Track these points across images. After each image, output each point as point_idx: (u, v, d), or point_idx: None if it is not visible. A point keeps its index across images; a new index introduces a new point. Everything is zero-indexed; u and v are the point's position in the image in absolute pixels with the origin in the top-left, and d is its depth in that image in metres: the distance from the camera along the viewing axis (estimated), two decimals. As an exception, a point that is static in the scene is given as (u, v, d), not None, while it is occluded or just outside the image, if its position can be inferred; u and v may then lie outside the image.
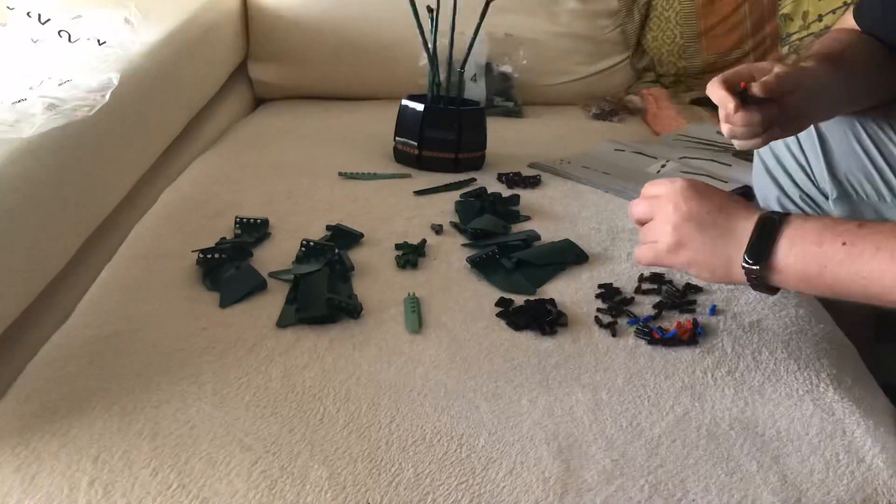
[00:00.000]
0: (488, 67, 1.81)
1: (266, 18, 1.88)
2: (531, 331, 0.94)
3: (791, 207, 1.21)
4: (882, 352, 1.18)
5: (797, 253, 0.78)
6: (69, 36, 1.21)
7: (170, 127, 1.46)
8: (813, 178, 1.16)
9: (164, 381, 0.85)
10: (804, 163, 1.17)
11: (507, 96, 1.80)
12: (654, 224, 0.86)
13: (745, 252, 0.79)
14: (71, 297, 1.03)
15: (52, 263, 1.04)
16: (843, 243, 0.76)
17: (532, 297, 1.00)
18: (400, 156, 1.46)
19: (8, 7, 1.24)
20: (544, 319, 0.95)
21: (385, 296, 1.01)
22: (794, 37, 1.84)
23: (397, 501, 0.71)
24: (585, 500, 0.72)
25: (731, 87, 0.95)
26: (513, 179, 1.37)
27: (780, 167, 1.20)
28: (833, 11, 1.80)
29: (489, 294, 1.01)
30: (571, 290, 1.03)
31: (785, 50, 1.85)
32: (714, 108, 1.72)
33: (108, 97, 1.11)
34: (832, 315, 1.02)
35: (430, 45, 1.48)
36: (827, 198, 1.14)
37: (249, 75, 1.94)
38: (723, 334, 0.95)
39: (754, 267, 0.79)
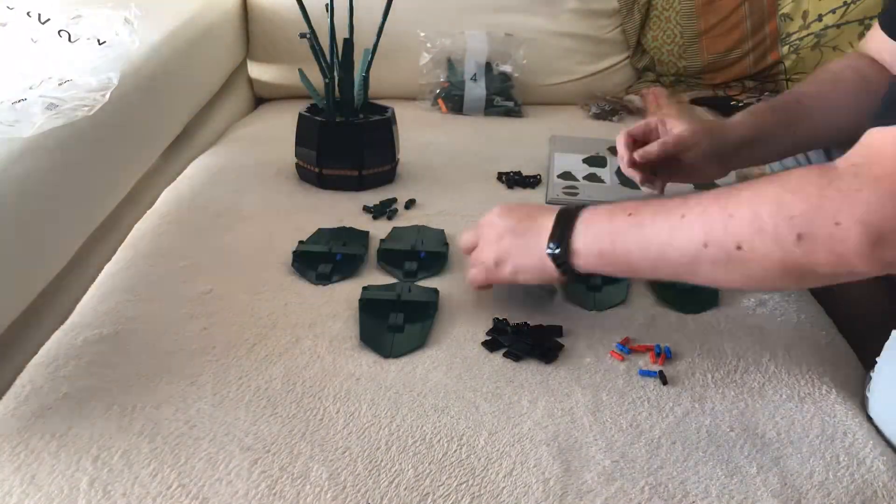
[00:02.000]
0: (488, 67, 1.81)
1: (266, 18, 1.88)
2: (532, 359, 0.90)
3: None
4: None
5: (592, 232, 0.83)
6: (69, 36, 1.21)
7: (170, 127, 1.46)
8: None
9: (164, 381, 0.85)
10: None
11: (507, 96, 1.80)
12: (479, 248, 0.94)
13: (548, 241, 0.85)
14: (71, 297, 1.03)
15: (52, 263, 1.04)
16: (629, 214, 0.80)
17: (532, 323, 0.95)
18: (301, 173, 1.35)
19: (8, 7, 1.24)
20: (545, 347, 0.91)
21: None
22: (794, 37, 1.84)
23: (397, 501, 0.71)
24: (585, 502, 0.72)
25: (633, 140, 1.09)
26: (513, 179, 1.37)
27: None
28: (833, 11, 1.80)
29: (490, 295, 1.01)
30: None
31: (785, 50, 1.85)
32: (713, 108, 1.73)
33: (108, 97, 1.11)
34: (836, 317, 1.02)
35: (315, 40, 1.32)
36: None
37: (249, 75, 1.94)
38: (723, 337, 0.95)
39: (556, 251, 0.85)
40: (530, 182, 1.37)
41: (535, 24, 1.87)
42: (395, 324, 0.93)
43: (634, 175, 1.10)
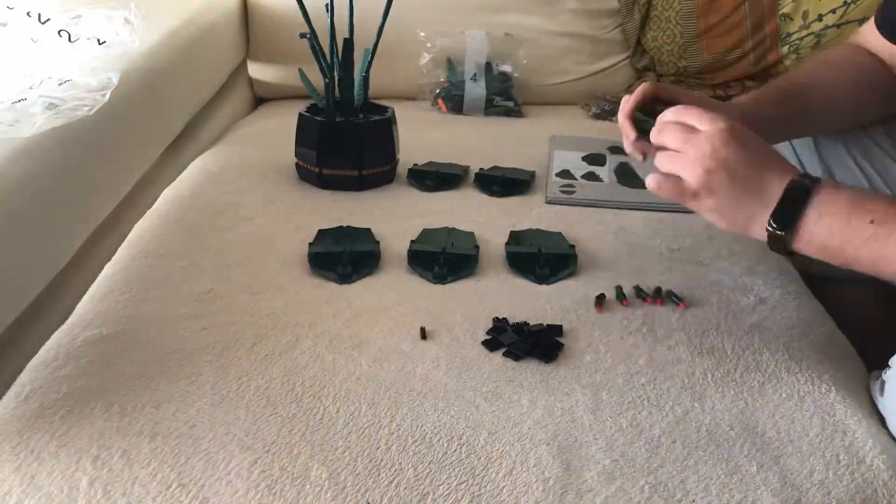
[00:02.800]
0: (488, 67, 1.81)
1: (266, 18, 1.88)
2: (532, 358, 0.89)
3: None
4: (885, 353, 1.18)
5: (825, 224, 0.77)
6: (69, 36, 1.21)
7: (170, 127, 1.46)
8: None
9: (164, 381, 0.85)
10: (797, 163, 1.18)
11: (507, 96, 1.80)
12: (684, 158, 0.81)
13: (771, 216, 0.78)
14: (71, 297, 1.03)
15: (52, 263, 1.04)
16: (871, 221, 0.75)
17: (532, 323, 0.95)
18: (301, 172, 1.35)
19: (8, 7, 1.24)
20: (545, 347, 0.91)
21: (385, 295, 1.01)
22: (794, 36, 1.84)
23: (397, 501, 0.71)
24: (585, 501, 0.72)
25: (633, 118, 0.97)
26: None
27: None
28: (833, 11, 1.80)
29: (490, 294, 1.01)
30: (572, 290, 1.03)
31: (785, 50, 1.85)
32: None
33: (108, 97, 1.11)
34: (849, 312, 1.02)
35: (315, 39, 1.31)
36: None
37: (249, 75, 1.94)
38: (723, 335, 0.94)
39: (779, 233, 0.78)
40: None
41: (535, 24, 1.87)
42: (440, 273, 1.04)
43: (636, 154, 1.00)
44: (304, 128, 1.34)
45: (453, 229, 1.17)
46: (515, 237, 1.14)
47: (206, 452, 0.75)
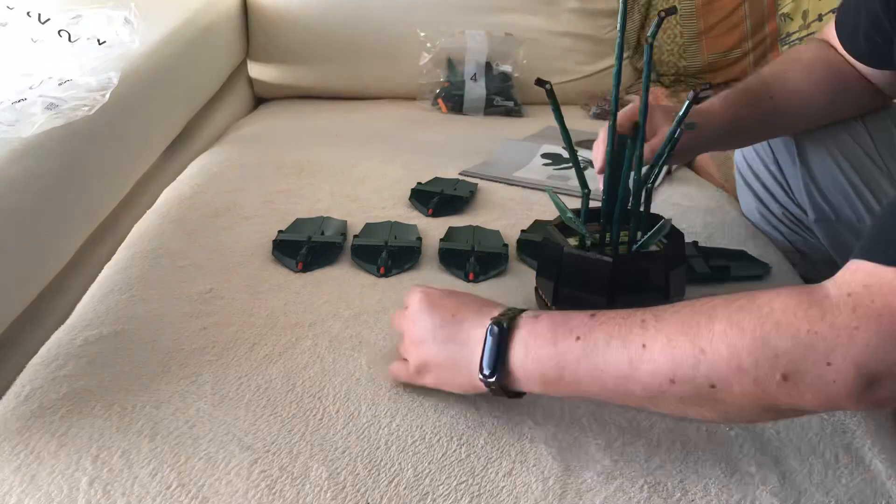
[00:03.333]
0: (488, 67, 1.81)
1: (266, 18, 1.89)
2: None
3: (773, 221, 1.22)
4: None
5: (534, 357, 0.72)
6: (69, 36, 1.21)
7: (170, 127, 1.47)
8: (793, 196, 1.18)
9: (164, 380, 0.85)
10: (783, 181, 1.18)
11: (507, 96, 1.80)
12: (404, 341, 0.82)
13: (479, 364, 0.74)
14: (71, 297, 1.03)
15: (52, 263, 1.04)
16: (577, 338, 0.70)
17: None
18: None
19: (8, 7, 1.24)
20: None
21: (385, 295, 1.01)
22: (794, 36, 1.84)
23: (397, 501, 0.71)
24: (585, 501, 0.72)
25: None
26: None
27: (758, 182, 1.22)
28: (833, 11, 1.80)
29: (489, 295, 1.01)
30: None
31: (785, 49, 1.85)
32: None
33: (108, 97, 1.11)
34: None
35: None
36: (807, 214, 1.16)
37: (249, 75, 1.94)
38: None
39: (490, 379, 0.74)
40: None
41: (535, 24, 1.88)
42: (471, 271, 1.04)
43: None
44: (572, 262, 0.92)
45: (478, 227, 1.18)
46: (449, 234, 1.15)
47: (206, 452, 0.75)
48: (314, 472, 0.73)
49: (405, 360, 0.82)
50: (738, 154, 1.26)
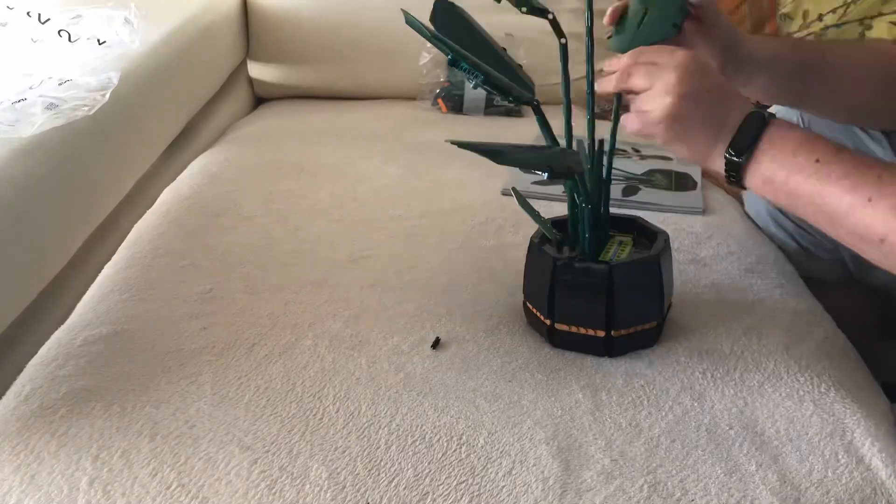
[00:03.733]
0: (488, 67, 1.81)
1: (266, 18, 1.88)
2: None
3: (781, 219, 1.22)
4: (885, 351, 1.18)
5: (772, 156, 0.79)
6: (69, 36, 1.21)
7: (170, 127, 1.46)
8: None
9: (164, 380, 0.85)
10: None
11: (507, 96, 1.80)
12: (652, 93, 0.83)
13: (730, 144, 0.80)
14: (71, 297, 1.03)
15: (52, 263, 1.04)
16: (817, 160, 0.76)
17: None
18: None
19: (8, 7, 1.24)
20: None
21: (384, 295, 1.01)
22: (794, 36, 1.84)
23: (397, 501, 0.71)
24: (585, 500, 0.72)
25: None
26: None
27: None
28: (833, 11, 1.80)
29: (491, 293, 1.01)
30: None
31: (785, 49, 1.85)
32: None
33: (108, 97, 1.11)
34: (835, 314, 1.02)
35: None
36: None
37: (249, 75, 1.94)
38: (722, 335, 0.94)
39: (736, 159, 0.80)
40: None
41: (535, 24, 1.87)
42: None
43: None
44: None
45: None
46: None
47: (205, 452, 0.75)
48: (314, 472, 0.73)
49: (642, 113, 0.83)
50: None
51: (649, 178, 1.39)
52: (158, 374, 0.86)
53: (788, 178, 0.77)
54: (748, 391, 0.86)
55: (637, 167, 1.44)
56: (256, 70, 1.94)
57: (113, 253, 1.12)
